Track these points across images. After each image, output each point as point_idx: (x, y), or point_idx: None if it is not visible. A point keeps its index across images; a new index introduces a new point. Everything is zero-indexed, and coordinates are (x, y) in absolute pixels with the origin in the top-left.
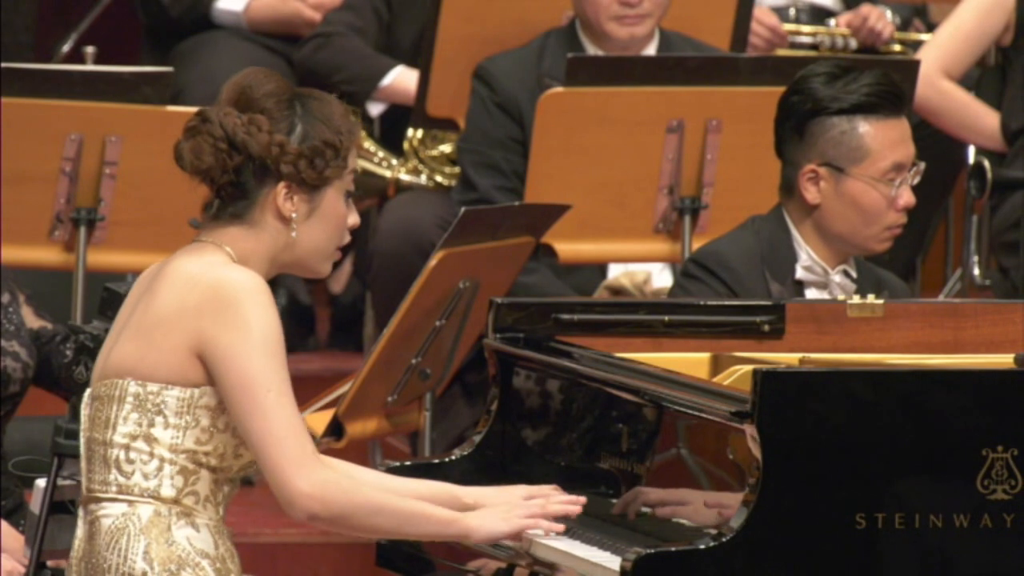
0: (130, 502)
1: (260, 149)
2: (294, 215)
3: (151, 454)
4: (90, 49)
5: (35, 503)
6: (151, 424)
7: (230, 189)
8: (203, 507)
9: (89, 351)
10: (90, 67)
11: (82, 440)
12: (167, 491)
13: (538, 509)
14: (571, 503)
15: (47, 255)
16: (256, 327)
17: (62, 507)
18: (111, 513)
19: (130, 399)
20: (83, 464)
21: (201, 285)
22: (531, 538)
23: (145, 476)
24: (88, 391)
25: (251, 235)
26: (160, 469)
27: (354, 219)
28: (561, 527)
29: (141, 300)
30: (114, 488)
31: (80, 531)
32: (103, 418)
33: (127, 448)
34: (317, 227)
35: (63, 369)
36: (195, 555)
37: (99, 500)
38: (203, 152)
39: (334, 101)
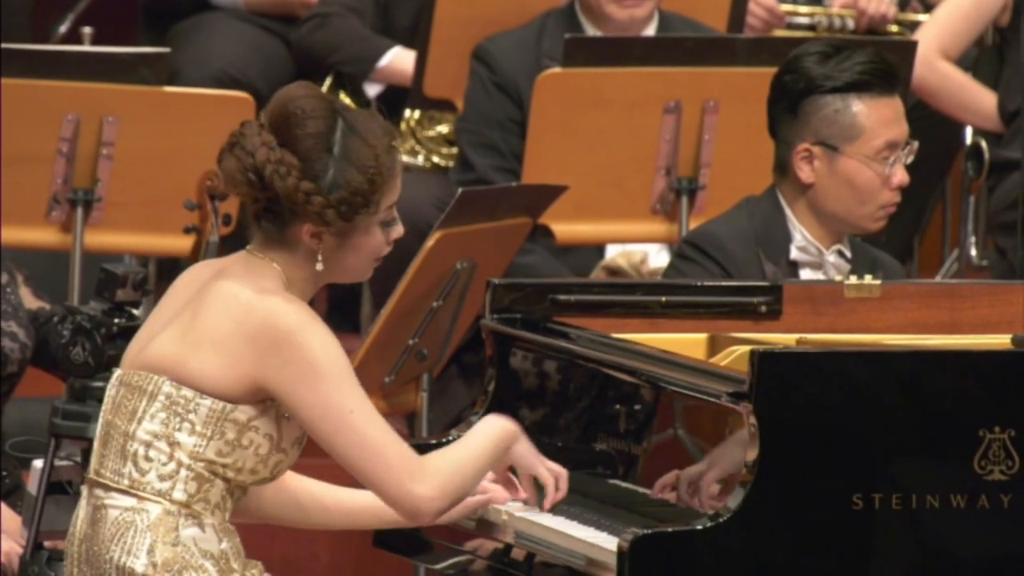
0: (139, 498)
1: (286, 193)
2: (320, 248)
3: (170, 456)
4: (87, 30)
5: (32, 484)
6: (177, 428)
7: (265, 214)
8: (212, 513)
9: (86, 332)
10: (87, 48)
11: (100, 420)
12: (179, 495)
13: (557, 471)
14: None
15: (44, 236)
16: (319, 357)
17: (59, 488)
18: (119, 505)
19: (162, 398)
20: (96, 444)
21: (255, 315)
22: (529, 518)
23: (160, 477)
24: (117, 373)
25: (290, 258)
26: (176, 473)
27: (398, 232)
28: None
29: (191, 303)
30: (126, 482)
31: (82, 512)
32: (129, 408)
33: (148, 445)
34: (348, 256)
35: (61, 350)
36: (199, 556)
37: (108, 488)
38: (236, 179)
39: (378, 133)
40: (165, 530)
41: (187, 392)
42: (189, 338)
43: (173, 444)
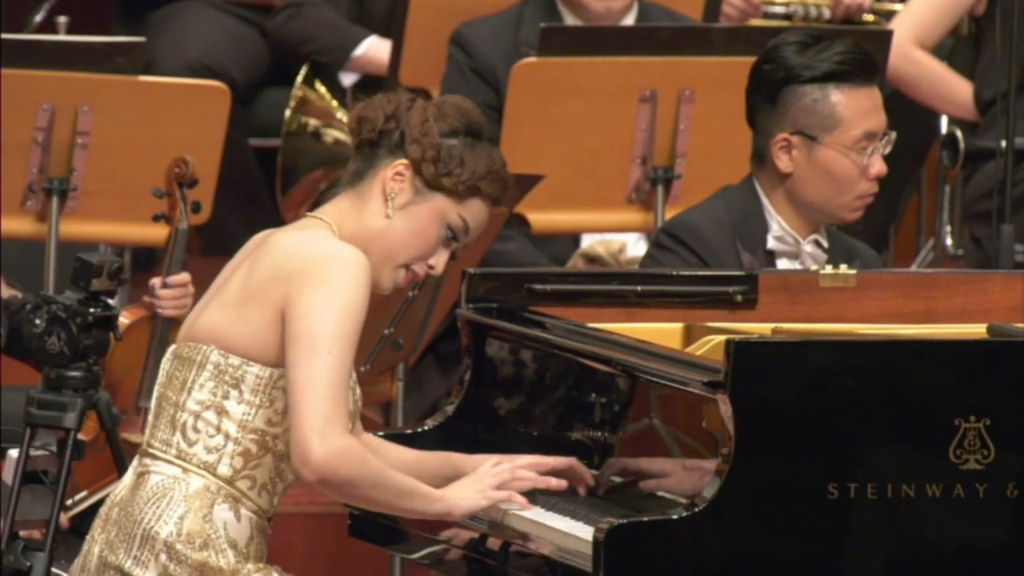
0: (184, 469)
1: (409, 123)
2: (393, 195)
3: (218, 428)
4: (62, 19)
5: (7, 474)
6: (225, 396)
7: (366, 149)
8: (257, 494)
9: (61, 322)
10: (62, 37)
11: (155, 393)
12: (224, 469)
13: (507, 475)
14: (535, 465)
15: (19, 225)
16: (341, 296)
17: (35, 477)
18: (162, 472)
19: (210, 367)
20: (150, 417)
21: (301, 254)
22: (505, 509)
23: (207, 449)
24: (171, 348)
25: (355, 210)
26: (223, 446)
27: (440, 260)
28: (528, 505)
29: (239, 269)
30: (173, 451)
31: (128, 479)
32: (180, 379)
33: (197, 416)
34: (404, 224)
35: (35, 339)
36: (224, 540)
37: (156, 458)
38: (370, 105)
39: (505, 169)
40: (200, 504)
41: (234, 360)
42: (238, 301)
43: (222, 413)
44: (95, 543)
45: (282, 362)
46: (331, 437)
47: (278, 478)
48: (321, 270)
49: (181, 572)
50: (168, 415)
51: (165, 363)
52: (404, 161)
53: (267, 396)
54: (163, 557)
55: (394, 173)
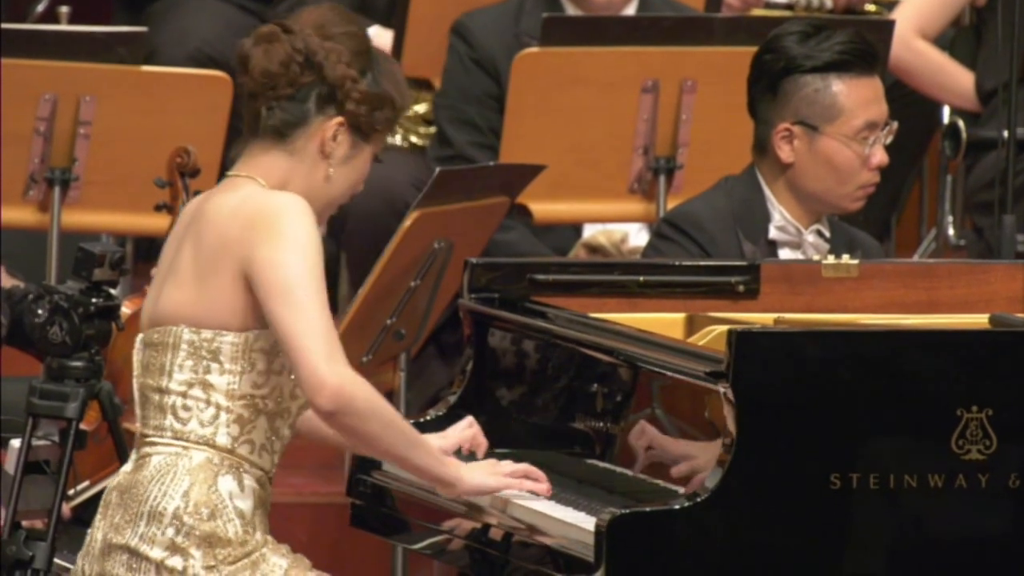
0: (184, 447)
1: (335, 77)
2: (332, 153)
3: (207, 401)
4: (64, 9)
5: (9, 464)
6: (207, 371)
7: (285, 104)
8: (258, 456)
9: (63, 311)
10: (64, 27)
11: (135, 385)
12: (222, 439)
13: (522, 470)
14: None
15: (21, 215)
16: (294, 238)
17: (37, 467)
18: (163, 451)
19: (184, 346)
20: (137, 409)
21: (243, 213)
22: (507, 498)
23: (201, 423)
24: (139, 337)
25: (287, 164)
26: (216, 417)
27: (360, 185)
28: (545, 489)
29: (184, 243)
30: (169, 434)
31: (129, 466)
32: (157, 365)
33: (184, 395)
34: (346, 175)
35: (37, 329)
36: (231, 510)
37: (154, 444)
38: (277, 57)
39: (400, 70)
40: (205, 475)
41: (207, 333)
42: (194, 275)
43: (208, 388)
44: (97, 530)
45: (254, 325)
46: (339, 365)
47: (275, 436)
48: (268, 221)
49: (189, 544)
50: (154, 402)
51: (136, 354)
52: (339, 119)
53: (247, 361)
54: (170, 531)
55: (331, 132)
